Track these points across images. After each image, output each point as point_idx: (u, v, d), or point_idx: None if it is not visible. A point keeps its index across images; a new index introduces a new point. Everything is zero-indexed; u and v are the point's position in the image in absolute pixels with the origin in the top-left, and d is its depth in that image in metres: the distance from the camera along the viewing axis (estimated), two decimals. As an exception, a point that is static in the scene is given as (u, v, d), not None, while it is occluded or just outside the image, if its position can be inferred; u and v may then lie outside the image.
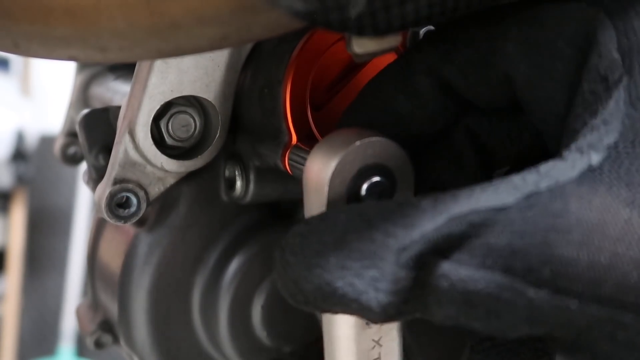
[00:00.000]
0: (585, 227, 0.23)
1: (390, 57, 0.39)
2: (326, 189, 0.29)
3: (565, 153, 0.26)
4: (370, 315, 0.26)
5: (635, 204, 0.23)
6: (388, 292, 0.25)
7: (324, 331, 0.32)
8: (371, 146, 0.29)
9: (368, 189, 0.29)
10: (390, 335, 0.32)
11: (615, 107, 0.25)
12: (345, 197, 0.29)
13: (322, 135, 0.38)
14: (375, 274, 0.25)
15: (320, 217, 0.28)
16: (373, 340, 0.31)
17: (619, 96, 0.25)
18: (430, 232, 0.25)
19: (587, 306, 0.23)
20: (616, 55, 0.26)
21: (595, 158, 0.25)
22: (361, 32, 0.27)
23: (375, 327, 0.31)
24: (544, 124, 0.29)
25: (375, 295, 0.25)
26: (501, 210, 0.24)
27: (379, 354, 0.32)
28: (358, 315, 0.26)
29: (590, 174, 0.24)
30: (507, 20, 0.29)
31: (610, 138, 0.25)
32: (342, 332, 0.31)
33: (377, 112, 0.33)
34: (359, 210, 0.27)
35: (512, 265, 0.24)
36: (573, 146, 0.26)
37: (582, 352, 0.25)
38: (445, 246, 0.25)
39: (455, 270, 0.25)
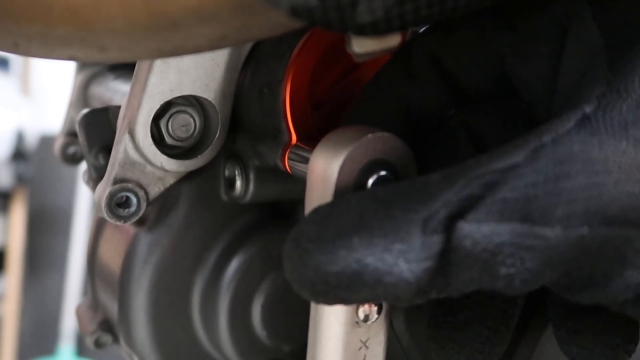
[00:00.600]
0: (589, 165, 0.26)
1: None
2: (334, 180, 0.29)
3: (560, 112, 0.28)
4: (403, 289, 0.26)
5: (630, 138, 0.26)
6: (419, 261, 0.25)
7: (311, 330, 0.32)
8: (380, 141, 0.30)
9: (374, 183, 0.30)
10: (378, 338, 0.32)
11: (599, 68, 0.28)
12: (351, 189, 0.29)
13: (322, 134, 0.38)
14: (404, 247, 0.25)
15: (332, 204, 0.28)
16: (361, 341, 0.31)
17: (602, 59, 0.28)
18: (449, 198, 0.26)
19: (597, 230, 0.26)
20: (595, 29, 0.29)
21: (588, 108, 0.27)
22: (361, 31, 0.27)
23: (364, 327, 0.31)
24: (534, 96, 0.31)
25: (408, 266, 0.25)
26: (512, 168, 0.26)
27: (364, 356, 0.32)
28: (388, 295, 0.26)
29: (586, 121, 0.27)
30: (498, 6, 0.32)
31: (597, 90, 0.27)
32: (332, 330, 0.31)
33: (381, 101, 0.34)
34: (370, 195, 0.27)
35: (528, 213, 0.26)
36: (566, 105, 0.28)
37: (597, 281, 0.26)
38: (464, 209, 0.26)
39: (477, 229, 0.26)
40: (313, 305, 0.32)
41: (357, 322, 0.31)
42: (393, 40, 0.29)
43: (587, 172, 0.26)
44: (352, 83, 0.40)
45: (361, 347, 0.31)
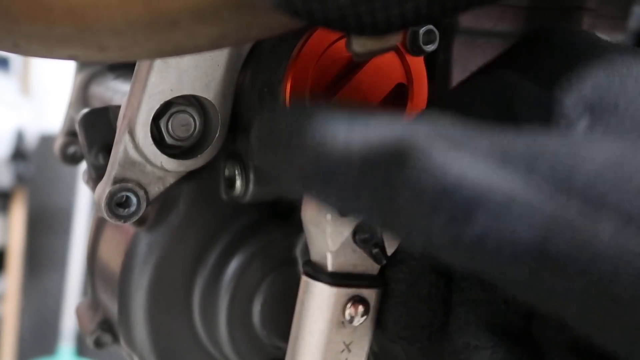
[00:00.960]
0: (613, 162, 0.22)
1: (391, 56, 0.39)
2: None
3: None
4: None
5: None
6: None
7: (294, 325, 0.32)
8: None
9: None
10: (361, 343, 0.32)
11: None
12: None
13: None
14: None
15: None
16: (344, 343, 0.31)
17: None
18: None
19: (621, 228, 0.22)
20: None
21: (583, 122, 0.27)
22: (361, 31, 0.27)
23: (349, 329, 0.31)
24: None
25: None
26: (544, 138, 0.24)
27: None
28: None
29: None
30: None
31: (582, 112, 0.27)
32: (316, 326, 0.31)
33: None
34: None
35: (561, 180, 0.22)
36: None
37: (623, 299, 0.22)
38: None
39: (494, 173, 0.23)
40: (300, 300, 0.32)
41: (342, 323, 0.31)
42: (393, 40, 0.29)
43: (614, 170, 0.22)
44: (353, 83, 0.40)
45: (344, 350, 0.31)
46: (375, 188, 0.23)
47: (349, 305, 0.31)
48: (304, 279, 0.32)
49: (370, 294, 0.31)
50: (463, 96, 0.31)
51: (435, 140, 0.23)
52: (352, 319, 0.31)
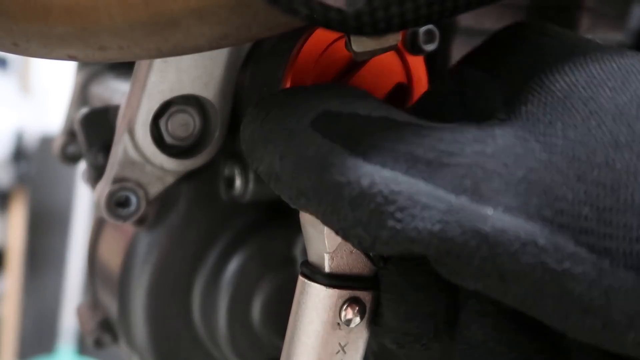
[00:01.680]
0: (503, 153, 0.27)
1: (390, 56, 0.39)
2: None
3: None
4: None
5: (536, 133, 0.27)
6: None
7: (290, 324, 0.32)
8: None
9: None
10: (357, 345, 0.32)
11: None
12: None
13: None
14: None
15: None
16: (340, 344, 0.31)
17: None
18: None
19: (501, 215, 0.26)
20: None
21: (501, 115, 0.29)
22: (360, 31, 0.27)
23: (345, 331, 0.31)
24: None
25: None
26: (435, 128, 0.28)
27: None
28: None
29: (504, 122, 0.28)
30: None
31: (502, 100, 0.29)
32: (311, 327, 0.31)
33: None
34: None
35: (434, 177, 0.27)
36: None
37: (491, 274, 0.26)
38: (370, 152, 0.27)
39: (378, 170, 0.26)
40: (296, 301, 0.32)
41: (338, 324, 0.31)
42: (392, 40, 0.29)
43: (500, 161, 0.26)
44: (353, 82, 0.40)
45: (339, 351, 0.31)
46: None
47: (345, 306, 0.31)
48: (301, 279, 0.32)
49: (366, 296, 0.31)
50: (433, 89, 0.34)
51: (358, 149, 0.27)
52: (348, 320, 0.31)
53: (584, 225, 0.25)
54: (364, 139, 0.28)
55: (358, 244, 0.27)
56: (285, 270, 0.45)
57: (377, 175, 0.26)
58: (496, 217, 0.25)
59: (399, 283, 0.30)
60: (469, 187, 0.26)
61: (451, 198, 0.26)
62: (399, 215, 0.26)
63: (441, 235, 0.25)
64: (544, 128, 0.27)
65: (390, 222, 0.26)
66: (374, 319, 0.31)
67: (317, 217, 0.28)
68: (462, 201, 0.26)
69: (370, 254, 0.32)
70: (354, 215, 0.26)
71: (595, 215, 0.25)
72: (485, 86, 0.31)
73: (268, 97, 0.31)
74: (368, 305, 0.31)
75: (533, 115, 0.28)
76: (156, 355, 0.45)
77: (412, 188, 0.26)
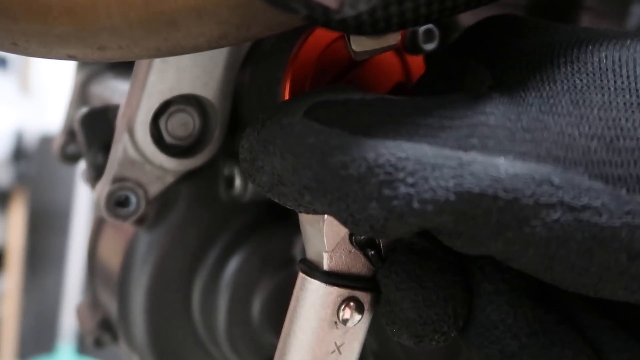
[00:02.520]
0: (503, 110, 0.28)
1: (390, 56, 0.39)
2: None
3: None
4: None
5: (533, 87, 0.28)
6: None
7: (287, 320, 0.32)
8: None
9: None
10: (352, 345, 0.31)
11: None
12: None
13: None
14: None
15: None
16: (335, 344, 0.31)
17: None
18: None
19: (512, 162, 0.26)
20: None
21: (488, 82, 0.30)
22: (360, 30, 0.27)
23: (342, 330, 0.31)
24: None
25: None
26: (431, 99, 0.29)
27: None
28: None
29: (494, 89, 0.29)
30: None
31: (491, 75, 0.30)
32: (308, 324, 0.31)
33: None
34: None
35: (438, 138, 0.27)
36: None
37: (511, 227, 0.26)
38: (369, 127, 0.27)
39: (381, 142, 0.26)
40: (295, 296, 0.32)
41: (335, 323, 0.31)
42: (392, 39, 0.29)
43: (501, 115, 0.27)
44: (352, 82, 0.40)
45: (334, 351, 0.31)
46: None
47: (343, 306, 0.31)
48: (301, 275, 0.32)
49: (365, 297, 0.31)
50: (423, 78, 0.35)
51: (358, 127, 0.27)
52: (345, 320, 0.31)
53: (595, 158, 0.26)
54: (362, 118, 0.27)
55: (370, 227, 0.26)
56: (284, 270, 0.45)
57: (381, 146, 0.26)
58: (508, 164, 0.25)
59: (415, 270, 0.30)
60: (477, 144, 0.26)
61: (460, 154, 0.26)
62: (410, 179, 0.25)
63: (457, 190, 0.25)
64: (540, 84, 0.28)
65: (403, 189, 0.25)
66: (388, 318, 0.31)
67: (325, 210, 0.27)
68: (473, 155, 0.26)
69: (369, 254, 0.31)
70: (364, 193, 0.25)
71: (604, 146, 0.26)
72: (478, 70, 0.31)
73: (260, 114, 0.31)
74: (367, 307, 0.31)
75: (524, 78, 0.29)
76: (156, 355, 0.45)
77: (418, 152, 0.26)
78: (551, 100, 0.27)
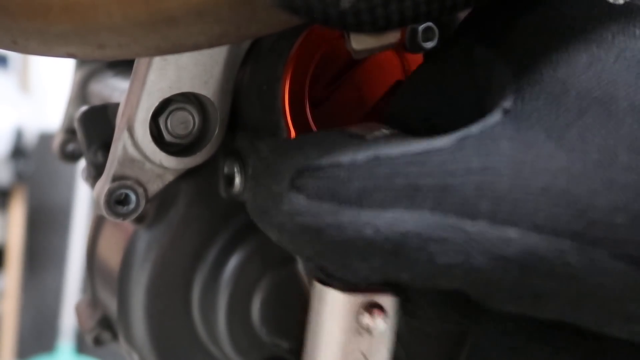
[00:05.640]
0: (518, 165, 0.24)
1: (389, 54, 0.39)
2: None
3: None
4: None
5: (558, 140, 0.25)
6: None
7: (310, 333, 0.31)
8: None
9: None
10: (381, 352, 0.30)
11: (505, 79, 0.28)
12: None
13: (321, 131, 0.38)
14: None
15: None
16: (362, 352, 0.30)
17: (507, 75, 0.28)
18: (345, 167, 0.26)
19: (526, 235, 0.24)
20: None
21: (506, 103, 0.26)
22: (359, 28, 0.27)
23: (367, 338, 0.30)
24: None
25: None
26: (432, 151, 0.25)
27: None
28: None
29: (509, 116, 0.26)
30: None
31: (509, 89, 0.27)
32: (331, 336, 0.30)
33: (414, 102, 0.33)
34: None
35: (441, 202, 0.24)
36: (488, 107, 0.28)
37: (524, 296, 0.25)
38: (363, 194, 0.25)
39: (378, 216, 0.25)
40: (314, 310, 0.31)
41: (359, 331, 0.30)
42: (392, 37, 0.29)
43: (513, 171, 0.24)
44: (352, 80, 0.40)
45: None
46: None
47: (364, 312, 0.29)
48: (317, 286, 0.30)
49: (386, 301, 0.30)
50: (435, 68, 0.33)
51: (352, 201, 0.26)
52: (368, 327, 0.29)
53: (619, 237, 0.24)
54: (353, 185, 0.26)
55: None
56: (285, 269, 0.45)
57: (378, 220, 0.25)
58: (521, 239, 0.24)
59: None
60: (485, 210, 0.24)
61: (466, 225, 0.24)
62: (413, 255, 0.24)
63: (465, 267, 0.24)
64: (559, 131, 0.25)
65: (406, 266, 0.25)
66: (413, 307, 0.30)
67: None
68: (481, 227, 0.24)
69: None
70: (368, 266, 0.25)
71: (630, 222, 0.23)
72: (496, 68, 0.29)
73: (256, 162, 0.30)
74: (389, 310, 0.30)
75: (545, 114, 0.26)
76: (155, 353, 0.45)
77: (419, 224, 0.24)
78: (574, 155, 0.24)
